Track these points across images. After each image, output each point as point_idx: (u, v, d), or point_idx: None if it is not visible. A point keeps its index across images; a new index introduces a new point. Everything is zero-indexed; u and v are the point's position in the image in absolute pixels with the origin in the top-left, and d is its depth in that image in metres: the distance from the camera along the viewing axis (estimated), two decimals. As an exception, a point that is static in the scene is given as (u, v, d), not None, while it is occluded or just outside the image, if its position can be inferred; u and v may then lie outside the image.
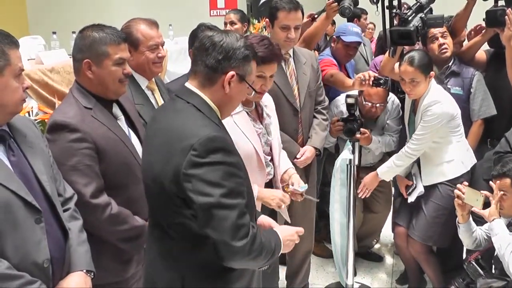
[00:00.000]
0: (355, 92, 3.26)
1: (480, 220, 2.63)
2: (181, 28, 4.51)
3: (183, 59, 3.93)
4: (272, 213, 2.40)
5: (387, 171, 3.16)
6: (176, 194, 1.55)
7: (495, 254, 2.41)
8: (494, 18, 3.03)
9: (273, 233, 1.78)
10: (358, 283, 3.59)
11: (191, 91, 1.67)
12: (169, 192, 1.57)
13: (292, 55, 3.00)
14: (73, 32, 2.97)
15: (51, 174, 1.72)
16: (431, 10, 3.16)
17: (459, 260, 3.21)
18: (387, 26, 3.07)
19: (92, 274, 1.75)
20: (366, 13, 5.59)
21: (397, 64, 3.26)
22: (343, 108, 3.34)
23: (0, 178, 1.52)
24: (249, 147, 2.29)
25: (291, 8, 2.85)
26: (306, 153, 2.98)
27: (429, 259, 3.18)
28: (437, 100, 2.91)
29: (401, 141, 3.40)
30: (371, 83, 3.07)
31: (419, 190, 3.11)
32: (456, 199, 2.57)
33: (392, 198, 3.95)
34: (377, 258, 4.01)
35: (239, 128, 2.28)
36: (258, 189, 2.22)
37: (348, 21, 5.19)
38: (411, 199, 3.14)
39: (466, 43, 3.58)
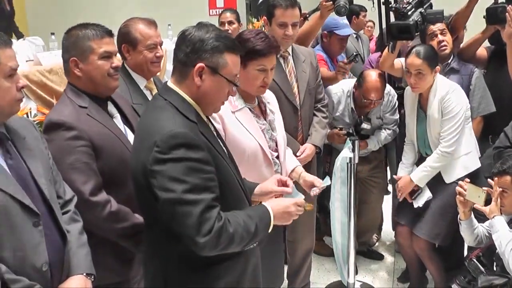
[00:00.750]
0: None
1: (482, 218, 2.62)
2: (180, 28, 4.46)
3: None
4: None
5: (424, 175, 3.04)
6: (148, 189, 1.58)
7: (496, 251, 2.40)
8: (494, 15, 3.02)
9: (259, 210, 1.75)
10: (359, 281, 3.58)
11: (169, 88, 1.70)
12: (142, 188, 1.61)
13: (291, 53, 2.99)
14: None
15: (50, 177, 1.71)
16: (431, 6, 3.15)
17: (460, 257, 3.21)
18: (383, 21, 3.06)
19: (92, 277, 1.73)
20: (365, 10, 5.56)
21: (396, 60, 3.25)
22: (334, 98, 3.44)
23: None
24: (253, 143, 2.28)
25: (288, 5, 2.85)
26: (306, 150, 2.97)
27: (432, 257, 3.17)
28: (452, 88, 2.91)
29: (401, 137, 3.41)
30: (346, 66, 3.25)
31: (428, 195, 3.07)
32: (457, 196, 2.56)
33: (391, 196, 3.96)
34: (378, 257, 4.01)
35: (242, 124, 2.27)
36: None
37: (347, 19, 5.19)
38: (417, 204, 3.09)
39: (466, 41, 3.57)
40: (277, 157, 2.42)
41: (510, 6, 2.87)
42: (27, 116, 2.72)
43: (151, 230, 1.76)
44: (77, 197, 1.85)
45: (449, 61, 3.26)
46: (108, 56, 2.02)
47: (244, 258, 1.79)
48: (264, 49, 2.20)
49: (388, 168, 4.26)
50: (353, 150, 3.11)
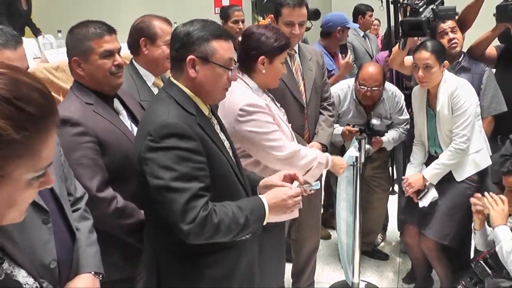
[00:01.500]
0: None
1: None
2: (185, 26, 4.50)
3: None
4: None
5: (437, 173, 3.00)
6: (143, 177, 1.64)
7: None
8: (504, 13, 2.99)
9: (252, 202, 1.77)
10: (364, 281, 3.57)
11: (171, 81, 1.77)
12: (139, 176, 1.67)
13: (297, 51, 2.98)
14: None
15: (60, 174, 1.69)
16: (442, 2, 3.13)
17: (467, 259, 3.18)
18: (392, 20, 3.04)
19: (100, 276, 1.71)
20: (372, 10, 5.56)
21: (406, 57, 3.24)
22: (341, 94, 3.51)
23: None
24: (288, 130, 2.45)
25: (295, 4, 2.85)
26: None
27: (440, 257, 3.15)
28: (460, 84, 2.89)
29: (409, 137, 3.39)
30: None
31: (434, 195, 3.03)
32: (473, 206, 2.54)
33: (397, 196, 3.94)
34: (383, 257, 3.99)
35: (277, 115, 2.38)
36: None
37: (353, 19, 5.24)
38: (422, 203, 3.05)
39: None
40: None
41: None
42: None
43: (147, 219, 1.85)
44: None
45: (460, 60, 3.22)
46: (109, 54, 2.02)
47: (236, 251, 1.80)
48: (287, 42, 2.38)
49: (394, 168, 4.25)
50: (359, 150, 3.10)
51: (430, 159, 3.11)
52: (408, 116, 3.51)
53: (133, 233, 1.99)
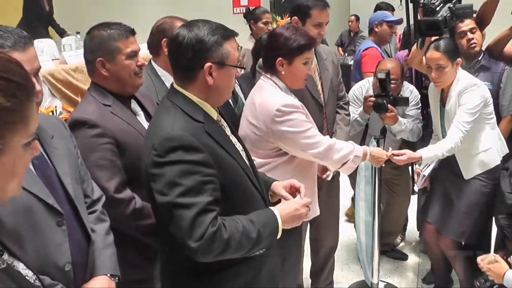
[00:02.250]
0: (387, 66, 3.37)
1: None
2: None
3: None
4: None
5: (433, 156, 2.88)
6: (151, 192, 1.58)
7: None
8: None
9: (264, 215, 1.68)
10: (383, 281, 3.54)
11: (176, 90, 1.68)
12: (148, 192, 1.62)
13: (314, 51, 2.98)
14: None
15: (76, 176, 1.69)
16: (459, 0, 3.09)
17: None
18: (411, 19, 3.02)
19: (116, 278, 1.71)
20: (393, 9, 5.51)
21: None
22: (363, 89, 3.56)
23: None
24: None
25: (324, 6, 2.91)
26: None
27: (459, 255, 3.11)
28: (472, 83, 2.85)
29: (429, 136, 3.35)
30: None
31: (422, 174, 3.12)
32: (486, 271, 2.42)
33: (417, 196, 3.91)
34: (403, 257, 3.96)
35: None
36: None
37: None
38: (417, 187, 3.13)
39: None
40: None
41: None
42: (53, 114, 2.75)
43: (161, 233, 1.77)
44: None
45: (480, 58, 3.19)
46: (134, 55, 2.04)
47: (257, 263, 1.74)
48: (308, 43, 2.38)
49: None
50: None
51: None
52: (419, 111, 3.48)
53: (151, 234, 1.99)
